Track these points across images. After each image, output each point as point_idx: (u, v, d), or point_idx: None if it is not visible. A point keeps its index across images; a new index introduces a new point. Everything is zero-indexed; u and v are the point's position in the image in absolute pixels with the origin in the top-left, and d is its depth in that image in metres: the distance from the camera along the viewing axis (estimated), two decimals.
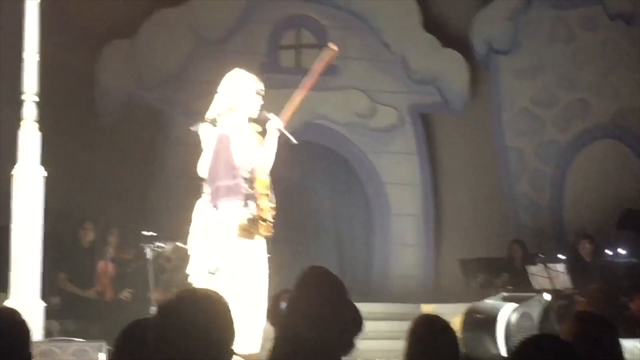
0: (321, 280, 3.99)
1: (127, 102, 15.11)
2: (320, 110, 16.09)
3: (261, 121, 8.06)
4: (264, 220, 7.91)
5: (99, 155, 14.27)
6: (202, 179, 7.98)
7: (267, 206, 7.97)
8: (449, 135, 16.55)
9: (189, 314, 3.15)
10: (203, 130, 7.93)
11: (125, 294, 12.09)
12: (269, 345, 4.11)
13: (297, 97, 8.45)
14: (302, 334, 3.79)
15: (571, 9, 16.19)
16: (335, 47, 8.63)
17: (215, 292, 3.49)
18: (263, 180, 8.02)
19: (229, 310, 3.24)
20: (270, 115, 8.05)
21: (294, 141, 8.03)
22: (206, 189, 7.91)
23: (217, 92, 8.06)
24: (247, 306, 7.40)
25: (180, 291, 3.32)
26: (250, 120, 8.07)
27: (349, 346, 3.97)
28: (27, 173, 8.62)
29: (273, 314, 3.96)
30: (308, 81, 8.55)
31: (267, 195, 7.98)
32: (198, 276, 7.80)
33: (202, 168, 7.97)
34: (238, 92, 8.02)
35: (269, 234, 7.97)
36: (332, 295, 3.93)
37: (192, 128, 8.10)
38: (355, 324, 3.99)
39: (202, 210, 7.91)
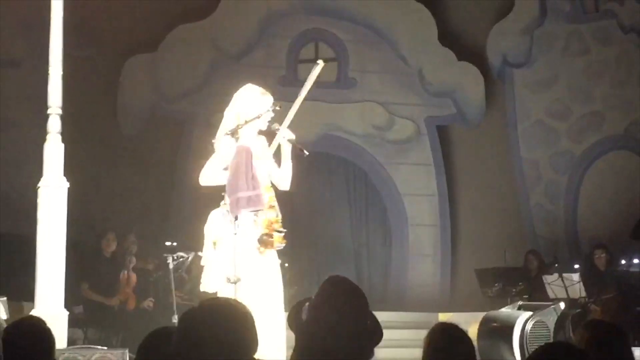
0: (342, 290, 3.98)
1: (149, 114, 15.16)
2: (338, 123, 16.14)
3: (269, 133, 8.10)
4: (279, 231, 7.94)
5: (121, 167, 14.32)
6: (223, 190, 8.01)
7: (276, 218, 8.01)
8: (464, 147, 16.54)
9: (211, 322, 3.16)
10: (224, 142, 7.96)
11: (148, 303, 12.12)
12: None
13: (293, 111, 8.50)
14: (323, 342, 3.79)
15: (585, 23, 16.17)
16: (322, 63, 8.65)
17: (237, 301, 3.50)
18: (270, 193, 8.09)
19: (251, 319, 3.25)
20: (283, 129, 8.10)
21: (306, 153, 8.06)
22: (226, 200, 7.93)
23: (231, 106, 8.10)
24: (268, 315, 7.43)
25: (202, 300, 3.33)
26: (260, 132, 8.12)
27: (368, 355, 3.96)
28: (52, 184, 8.66)
29: (294, 322, 3.96)
30: (301, 96, 8.57)
31: (274, 207, 8.01)
32: (213, 285, 7.83)
33: (207, 177, 8.02)
34: (254, 106, 8.07)
35: (283, 244, 8.00)
36: (353, 304, 3.92)
37: (214, 140, 8.15)
38: (375, 333, 3.98)
39: (215, 221, 7.96)
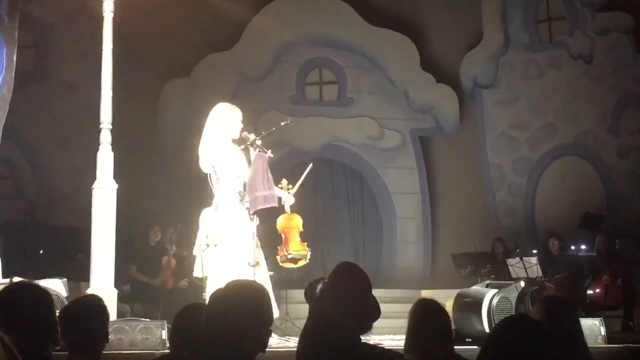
0: (351, 274, 3.98)
1: (184, 129, 15.15)
2: (339, 134, 16.15)
3: (241, 140, 8.12)
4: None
5: (162, 172, 14.33)
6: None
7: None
8: (442, 154, 16.53)
9: (236, 299, 3.16)
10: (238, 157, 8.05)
11: (183, 283, 12.11)
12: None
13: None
14: (331, 314, 3.79)
15: (541, 52, 16.15)
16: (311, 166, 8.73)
17: (256, 282, 3.50)
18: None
19: (268, 297, 3.24)
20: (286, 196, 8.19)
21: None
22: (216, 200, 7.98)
23: (207, 126, 8.13)
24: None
25: (228, 282, 3.33)
26: (234, 142, 8.14)
27: (367, 328, 3.97)
28: (103, 186, 8.67)
29: (309, 295, 3.97)
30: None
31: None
32: (198, 272, 7.91)
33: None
34: (225, 120, 8.10)
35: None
36: (359, 286, 3.92)
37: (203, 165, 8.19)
38: (374, 312, 3.98)
39: (207, 218, 8.00)
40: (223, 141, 8.01)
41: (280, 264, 8.38)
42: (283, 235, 8.40)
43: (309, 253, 8.38)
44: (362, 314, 3.87)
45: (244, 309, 3.12)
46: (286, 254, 8.27)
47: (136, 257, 12.30)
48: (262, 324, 3.17)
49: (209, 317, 3.16)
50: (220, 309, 3.15)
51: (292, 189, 8.41)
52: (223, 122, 8.06)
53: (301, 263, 8.32)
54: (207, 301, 6.74)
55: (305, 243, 8.42)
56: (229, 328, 3.09)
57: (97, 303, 4.28)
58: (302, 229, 8.45)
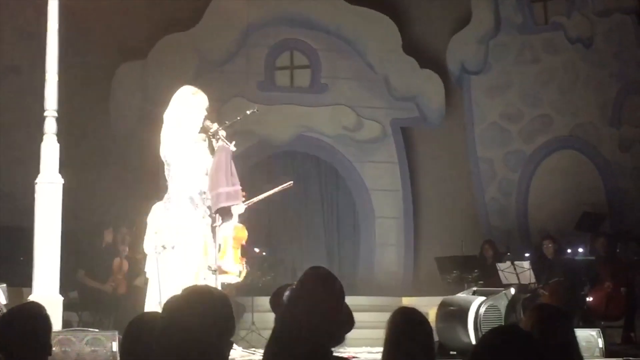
0: (321, 280, 3.97)
1: (138, 116, 15.09)
2: (311, 124, 16.14)
3: (203, 130, 8.10)
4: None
5: (112, 165, 14.27)
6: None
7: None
8: (426, 147, 16.57)
9: (193, 307, 3.15)
10: (196, 148, 8.01)
11: (138, 282, 12.06)
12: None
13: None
14: (298, 324, 3.79)
15: (535, 34, 16.22)
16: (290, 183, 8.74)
17: (214, 288, 3.49)
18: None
19: (228, 303, 3.24)
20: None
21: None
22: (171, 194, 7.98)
23: (169, 110, 8.12)
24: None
25: (184, 288, 3.32)
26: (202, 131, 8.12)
27: (339, 340, 3.96)
28: (48, 181, 8.63)
29: (275, 304, 3.96)
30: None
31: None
32: (150, 270, 7.91)
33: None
34: (189, 105, 8.08)
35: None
36: (330, 294, 3.92)
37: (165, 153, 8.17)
38: (347, 323, 3.98)
39: (157, 213, 8.01)
40: (185, 130, 7.97)
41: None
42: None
43: (244, 271, 8.28)
44: (334, 325, 3.87)
45: (201, 318, 3.11)
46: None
47: (85, 260, 12.22)
48: (222, 335, 3.16)
49: (164, 327, 3.15)
50: (176, 318, 3.14)
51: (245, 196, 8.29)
52: (186, 107, 8.02)
53: (227, 278, 8.21)
54: (145, 309, 6.71)
55: (244, 259, 8.35)
56: (186, 340, 3.08)
57: (37, 311, 4.25)
58: (243, 243, 8.40)
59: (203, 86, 14.69)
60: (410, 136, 16.67)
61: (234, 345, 7.63)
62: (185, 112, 8.01)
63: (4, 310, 7.24)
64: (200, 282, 7.47)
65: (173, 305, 3.23)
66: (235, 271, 8.17)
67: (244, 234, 8.34)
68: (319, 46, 16.48)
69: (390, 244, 16.35)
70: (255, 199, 8.48)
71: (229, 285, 8.44)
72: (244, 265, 8.29)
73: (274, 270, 13.74)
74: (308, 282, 3.96)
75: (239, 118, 8.43)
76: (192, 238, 7.80)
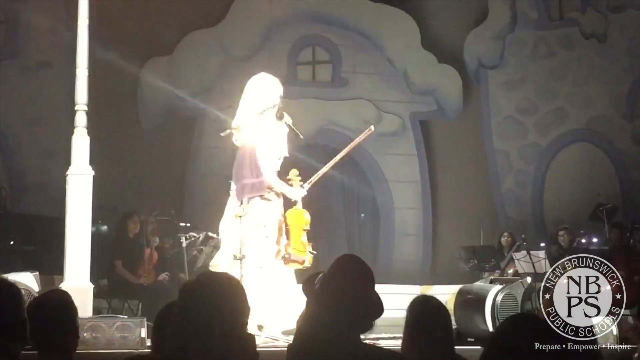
0: (353, 267, 3.97)
1: (166, 111, 15.13)
2: (333, 118, 16.13)
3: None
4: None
5: (141, 157, 14.31)
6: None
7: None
8: (444, 140, 16.52)
9: (207, 292, 3.15)
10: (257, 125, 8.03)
11: (164, 277, 12.06)
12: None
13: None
14: (329, 310, 3.78)
15: (551, 30, 16.16)
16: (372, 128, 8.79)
17: (228, 274, 3.50)
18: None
19: (242, 288, 3.23)
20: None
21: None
22: (232, 187, 7.96)
23: (244, 95, 8.13)
24: (279, 290, 7.58)
25: (198, 275, 3.33)
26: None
27: (368, 326, 3.95)
28: (79, 173, 8.67)
29: (308, 289, 3.95)
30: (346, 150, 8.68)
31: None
32: (224, 262, 7.86)
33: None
34: (266, 96, 8.11)
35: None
36: (360, 281, 3.91)
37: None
38: (376, 310, 3.97)
39: (232, 203, 8.04)
40: (265, 116, 8.06)
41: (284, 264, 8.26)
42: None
43: (309, 257, 8.26)
44: (362, 310, 3.87)
45: (214, 302, 3.10)
46: (284, 253, 8.18)
47: (118, 250, 12.16)
48: (236, 316, 3.15)
49: (180, 313, 3.15)
50: (190, 304, 3.14)
51: (303, 184, 8.37)
52: (264, 95, 8.11)
53: (296, 266, 8.22)
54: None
55: (310, 244, 8.33)
56: (200, 321, 3.08)
57: (62, 298, 4.25)
58: (306, 228, 8.35)
59: (227, 81, 14.81)
60: (428, 129, 16.63)
61: (257, 331, 7.65)
62: (264, 99, 8.10)
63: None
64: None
65: (187, 290, 3.23)
66: (300, 259, 8.18)
67: (307, 219, 8.34)
68: (340, 42, 16.46)
69: (409, 234, 16.33)
70: (324, 169, 8.57)
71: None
72: (309, 250, 8.28)
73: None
74: (340, 268, 3.95)
75: (273, 106, 8.42)
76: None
